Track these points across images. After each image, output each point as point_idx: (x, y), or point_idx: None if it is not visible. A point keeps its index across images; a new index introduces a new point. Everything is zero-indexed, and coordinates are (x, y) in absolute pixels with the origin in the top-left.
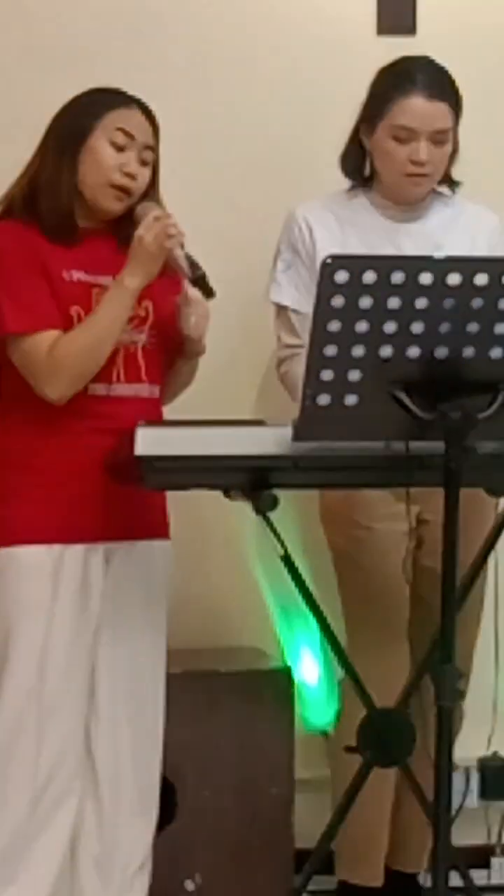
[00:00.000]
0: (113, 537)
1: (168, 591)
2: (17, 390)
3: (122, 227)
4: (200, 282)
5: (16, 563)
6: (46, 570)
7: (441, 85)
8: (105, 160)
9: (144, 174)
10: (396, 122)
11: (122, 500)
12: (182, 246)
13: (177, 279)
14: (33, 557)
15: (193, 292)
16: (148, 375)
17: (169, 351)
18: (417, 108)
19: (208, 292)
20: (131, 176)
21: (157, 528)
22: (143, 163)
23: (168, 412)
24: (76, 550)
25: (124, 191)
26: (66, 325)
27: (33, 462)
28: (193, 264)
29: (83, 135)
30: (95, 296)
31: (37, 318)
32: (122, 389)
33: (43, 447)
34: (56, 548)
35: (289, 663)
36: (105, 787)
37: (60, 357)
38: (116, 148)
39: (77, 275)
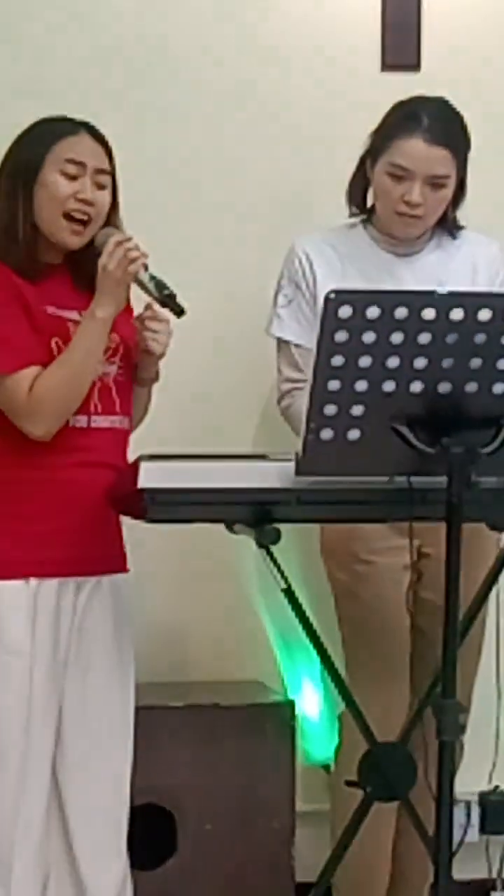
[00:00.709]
0: (83, 572)
1: (140, 623)
2: (1, 419)
3: (78, 262)
4: (169, 301)
5: None
6: (25, 605)
7: (446, 131)
8: (58, 191)
9: (102, 199)
10: (394, 161)
11: (92, 534)
12: (146, 267)
13: (131, 308)
14: (13, 593)
15: (155, 312)
16: (121, 407)
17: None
18: (416, 151)
19: (178, 312)
20: (87, 202)
21: (120, 561)
22: (100, 187)
23: (170, 446)
24: (50, 585)
25: (81, 222)
26: (48, 358)
27: (12, 494)
28: (160, 285)
29: (34, 171)
30: (74, 330)
31: (17, 355)
32: (100, 421)
33: (23, 479)
34: (32, 582)
35: (290, 697)
36: (74, 826)
37: (40, 394)
38: (69, 178)
39: (51, 309)
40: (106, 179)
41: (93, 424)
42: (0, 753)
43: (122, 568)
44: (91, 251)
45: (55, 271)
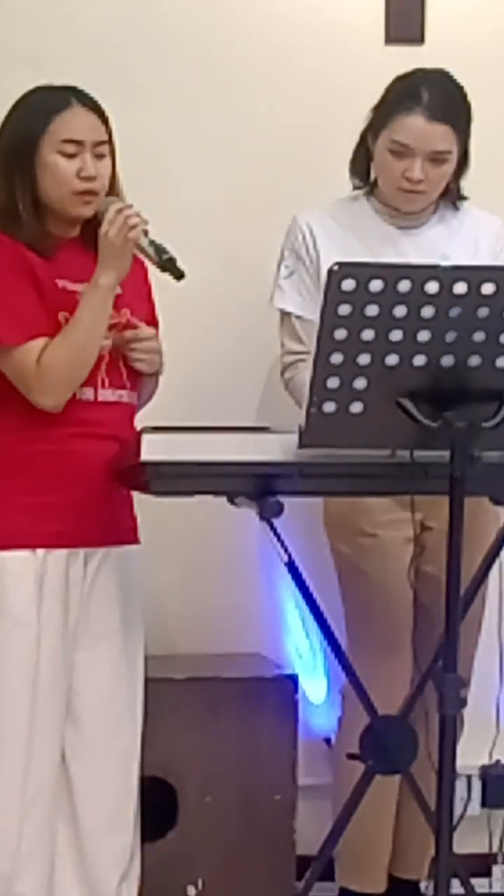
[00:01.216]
0: (93, 543)
1: (143, 596)
2: (4, 395)
3: (95, 231)
4: (169, 265)
5: (2, 569)
6: (32, 576)
7: (446, 106)
8: (61, 173)
9: (104, 169)
10: (395, 137)
11: (102, 505)
12: (146, 233)
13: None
14: (20, 563)
15: (138, 332)
16: (129, 381)
17: None
18: (416, 128)
19: (178, 275)
20: (91, 178)
21: (131, 533)
22: (100, 157)
23: (173, 419)
24: (59, 555)
25: (89, 193)
26: (56, 331)
27: (20, 466)
28: (159, 249)
29: (30, 150)
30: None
31: (25, 327)
32: (107, 395)
33: (30, 452)
34: (40, 553)
35: (292, 670)
36: (81, 798)
37: (48, 365)
38: (68, 157)
39: (62, 283)
40: (104, 149)
41: (100, 398)
42: (6, 724)
43: (133, 539)
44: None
45: (70, 244)
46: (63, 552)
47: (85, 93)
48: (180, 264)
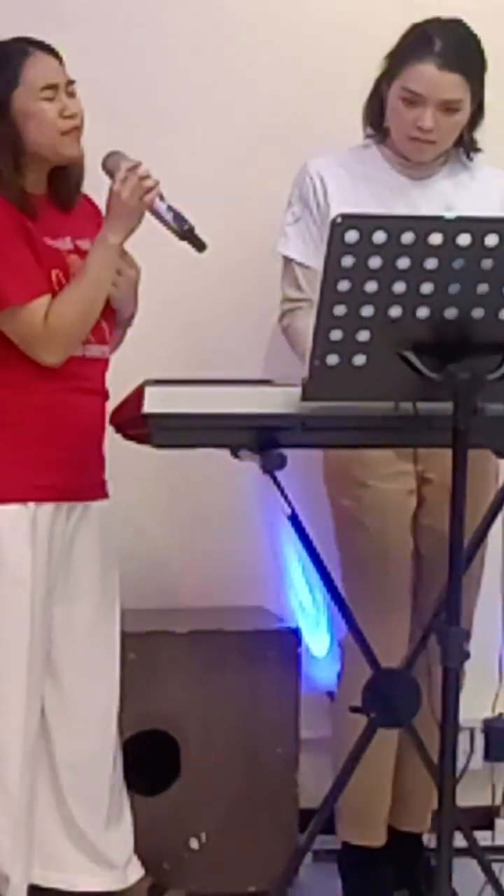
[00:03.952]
0: (79, 497)
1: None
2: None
3: (57, 185)
4: (189, 235)
5: None
6: (24, 529)
7: (459, 55)
8: (47, 117)
9: (80, 105)
10: (406, 85)
11: (85, 460)
12: (161, 197)
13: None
14: (12, 517)
15: (129, 257)
16: (109, 337)
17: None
18: (427, 76)
19: (199, 246)
20: (73, 115)
21: (103, 489)
22: (72, 95)
23: (176, 371)
24: (46, 509)
25: (75, 129)
26: (50, 288)
27: (11, 420)
28: (179, 217)
29: (5, 107)
30: (69, 260)
31: (30, 286)
32: (93, 350)
33: (22, 406)
34: (31, 506)
35: (294, 623)
36: (60, 751)
37: (56, 323)
38: (49, 101)
39: (48, 241)
40: (74, 87)
41: (87, 354)
42: (7, 680)
43: (105, 495)
44: (65, 171)
45: (41, 201)
46: (50, 506)
47: (34, 39)
48: (200, 234)
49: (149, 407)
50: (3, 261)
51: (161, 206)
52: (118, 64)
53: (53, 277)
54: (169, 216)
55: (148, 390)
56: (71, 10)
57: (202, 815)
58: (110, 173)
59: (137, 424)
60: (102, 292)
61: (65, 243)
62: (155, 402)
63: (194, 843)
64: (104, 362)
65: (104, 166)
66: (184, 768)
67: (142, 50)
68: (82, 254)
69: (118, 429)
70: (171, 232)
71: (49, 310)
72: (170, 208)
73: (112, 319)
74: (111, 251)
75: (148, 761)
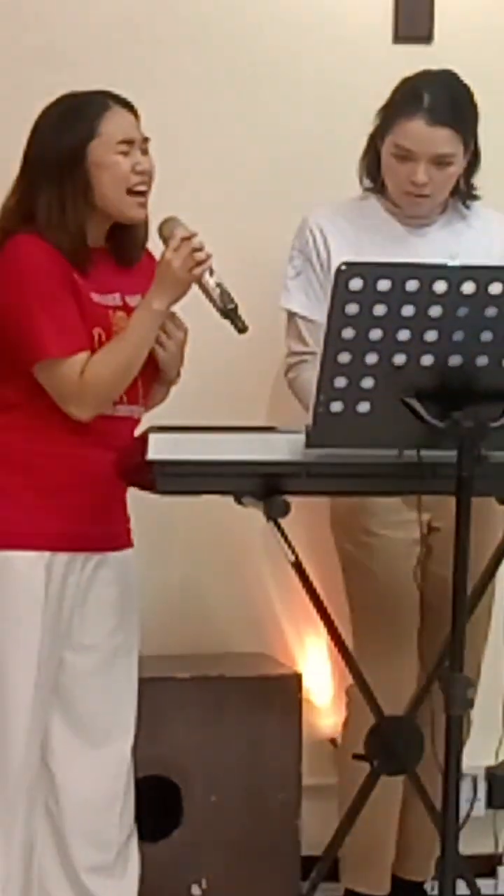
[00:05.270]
0: (93, 548)
1: (148, 594)
2: (28, 392)
3: (120, 241)
4: (232, 314)
5: (9, 568)
6: (39, 578)
7: (449, 109)
8: (121, 170)
9: (152, 165)
10: (398, 141)
11: (104, 511)
12: (211, 271)
13: None
14: (27, 564)
15: (177, 319)
16: (143, 397)
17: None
18: (417, 132)
19: (241, 328)
20: (145, 173)
21: (125, 538)
22: (145, 153)
23: (179, 418)
24: (61, 559)
25: (143, 193)
26: (91, 345)
27: (34, 464)
28: (225, 295)
29: (81, 157)
30: (114, 318)
31: (73, 340)
32: (123, 410)
33: (40, 453)
34: (46, 555)
35: (297, 669)
36: (64, 797)
37: (91, 380)
38: (125, 155)
39: (95, 297)
40: (147, 145)
41: (117, 413)
42: (7, 725)
43: (128, 543)
44: (131, 229)
45: (98, 255)
46: (65, 556)
47: (115, 94)
48: (242, 314)
49: (153, 453)
50: (47, 312)
51: (210, 282)
52: None
53: (95, 336)
54: (216, 293)
55: (152, 437)
56: (71, 56)
57: (204, 861)
58: (165, 240)
59: (141, 471)
60: (141, 356)
61: (113, 299)
62: (159, 449)
63: (196, 890)
64: (134, 421)
65: (160, 232)
66: (186, 814)
67: (141, 99)
68: (129, 310)
69: (122, 475)
70: (214, 308)
71: (86, 367)
72: (218, 285)
73: (150, 379)
74: (155, 316)
75: (150, 807)
